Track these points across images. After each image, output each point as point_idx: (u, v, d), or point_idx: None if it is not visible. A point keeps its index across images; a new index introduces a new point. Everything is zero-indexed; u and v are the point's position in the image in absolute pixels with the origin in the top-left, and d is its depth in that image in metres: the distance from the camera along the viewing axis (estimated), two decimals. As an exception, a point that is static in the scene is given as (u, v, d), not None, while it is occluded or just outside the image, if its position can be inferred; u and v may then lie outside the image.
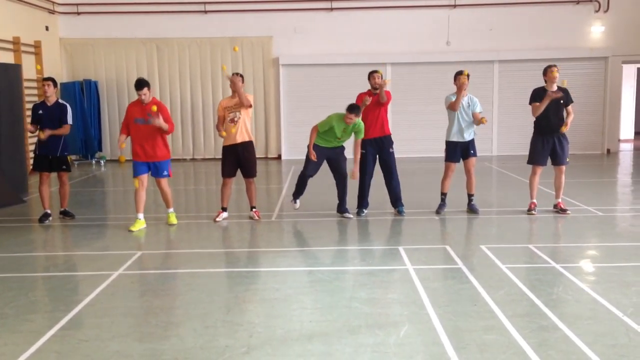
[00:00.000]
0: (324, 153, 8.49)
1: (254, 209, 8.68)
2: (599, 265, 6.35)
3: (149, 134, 8.03)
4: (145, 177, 8.21)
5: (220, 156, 8.85)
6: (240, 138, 8.33)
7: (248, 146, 8.43)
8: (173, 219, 8.45)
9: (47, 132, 8.45)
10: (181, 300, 5.33)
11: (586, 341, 4.27)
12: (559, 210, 8.65)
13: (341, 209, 8.71)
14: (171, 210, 8.49)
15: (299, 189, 8.72)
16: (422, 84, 16.59)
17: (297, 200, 8.80)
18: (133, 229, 8.06)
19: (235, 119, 8.28)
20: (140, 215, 8.19)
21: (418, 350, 4.20)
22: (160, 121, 7.88)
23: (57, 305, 5.29)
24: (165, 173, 8.27)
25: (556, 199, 8.74)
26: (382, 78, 8.64)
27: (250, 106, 8.41)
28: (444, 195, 8.89)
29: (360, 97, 8.62)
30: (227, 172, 8.51)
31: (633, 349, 4.18)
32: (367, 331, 4.55)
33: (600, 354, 4.07)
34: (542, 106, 8.32)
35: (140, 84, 8.01)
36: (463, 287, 5.52)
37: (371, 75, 8.64)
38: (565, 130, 8.39)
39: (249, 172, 8.51)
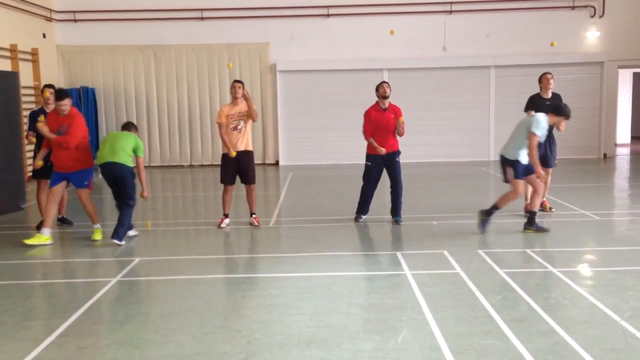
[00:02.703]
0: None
1: (253, 215, 8.68)
2: (597, 270, 6.37)
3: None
4: (59, 187, 7.88)
5: (217, 162, 8.86)
6: (242, 147, 8.41)
7: (248, 155, 8.50)
8: (98, 235, 7.94)
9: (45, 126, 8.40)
10: (179, 307, 5.32)
11: (584, 345, 4.28)
12: (543, 208, 8.76)
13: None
14: (97, 226, 8.01)
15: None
16: (418, 89, 16.65)
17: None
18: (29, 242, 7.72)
19: (239, 127, 8.36)
20: (47, 231, 7.81)
21: (416, 356, 4.21)
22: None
23: (55, 312, 5.29)
24: (86, 183, 7.88)
25: (542, 197, 8.80)
26: (390, 89, 8.52)
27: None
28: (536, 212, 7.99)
29: (368, 114, 8.47)
30: (228, 180, 8.52)
31: (631, 353, 4.19)
32: (365, 337, 4.56)
33: (598, 358, 4.08)
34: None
35: (60, 94, 7.87)
36: (461, 292, 5.52)
37: (380, 85, 8.51)
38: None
39: (249, 179, 8.54)
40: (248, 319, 5.00)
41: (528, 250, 6.99)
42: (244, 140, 8.43)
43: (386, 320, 4.87)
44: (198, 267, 6.67)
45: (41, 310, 5.48)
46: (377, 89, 8.51)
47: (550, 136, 8.59)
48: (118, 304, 5.47)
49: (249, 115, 8.38)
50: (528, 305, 5.14)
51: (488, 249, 7.05)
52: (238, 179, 8.57)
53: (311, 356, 4.24)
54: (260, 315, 5.06)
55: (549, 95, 8.66)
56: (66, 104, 7.82)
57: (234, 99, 8.43)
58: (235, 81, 8.54)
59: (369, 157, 8.62)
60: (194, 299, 5.53)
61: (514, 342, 4.36)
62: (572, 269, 6.34)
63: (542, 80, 8.64)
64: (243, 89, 8.46)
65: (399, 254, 6.93)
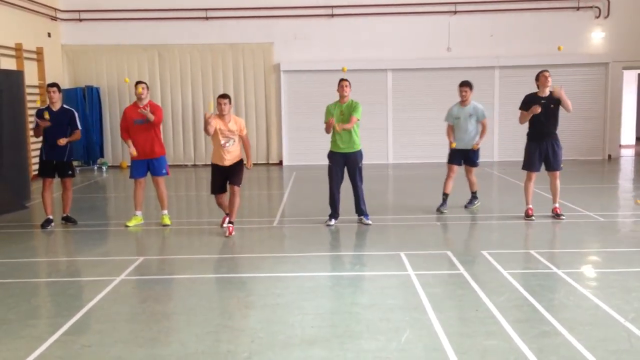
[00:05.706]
0: (342, 159, 8.41)
1: (230, 224, 8.10)
2: (600, 271, 6.36)
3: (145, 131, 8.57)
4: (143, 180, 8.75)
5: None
6: (229, 163, 8.07)
7: (237, 163, 8.16)
8: (167, 220, 8.76)
9: (64, 140, 8.52)
10: (183, 306, 5.33)
11: (587, 347, 4.27)
12: (554, 215, 8.67)
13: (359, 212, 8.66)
14: (165, 212, 8.82)
15: (331, 207, 8.57)
16: (423, 90, 16.62)
17: (333, 220, 8.55)
18: (129, 224, 8.65)
19: (227, 145, 7.97)
20: (139, 212, 8.79)
21: (419, 356, 4.21)
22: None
23: (59, 310, 5.31)
24: (164, 172, 8.73)
25: (553, 203, 8.76)
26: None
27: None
28: (445, 195, 9.34)
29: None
30: (218, 189, 8.31)
31: (634, 354, 4.18)
32: (368, 337, 4.56)
33: (601, 360, 4.08)
34: (527, 117, 8.46)
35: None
36: (464, 293, 5.52)
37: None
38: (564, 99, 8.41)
39: (235, 181, 8.08)
40: (251, 319, 5.01)
41: (532, 251, 6.97)
42: (233, 157, 8.06)
43: (389, 321, 4.88)
44: (202, 266, 6.69)
45: (45, 308, 5.50)
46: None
47: (551, 137, 8.50)
48: (122, 303, 5.48)
49: (240, 139, 8.16)
50: (531, 306, 5.13)
51: (491, 249, 7.04)
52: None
53: (314, 356, 4.24)
54: (264, 315, 5.06)
55: (546, 93, 8.52)
56: (143, 87, 8.50)
57: (222, 115, 7.92)
58: (221, 97, 8.00)
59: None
60: (198, 298, 5.54)
61: (518, 343, 4.36)
62: (576, 270, 6.33)
63: (540, 78, 8.55)
64: (230, 104, 7.97)
65: (402, 254, 6.92)
